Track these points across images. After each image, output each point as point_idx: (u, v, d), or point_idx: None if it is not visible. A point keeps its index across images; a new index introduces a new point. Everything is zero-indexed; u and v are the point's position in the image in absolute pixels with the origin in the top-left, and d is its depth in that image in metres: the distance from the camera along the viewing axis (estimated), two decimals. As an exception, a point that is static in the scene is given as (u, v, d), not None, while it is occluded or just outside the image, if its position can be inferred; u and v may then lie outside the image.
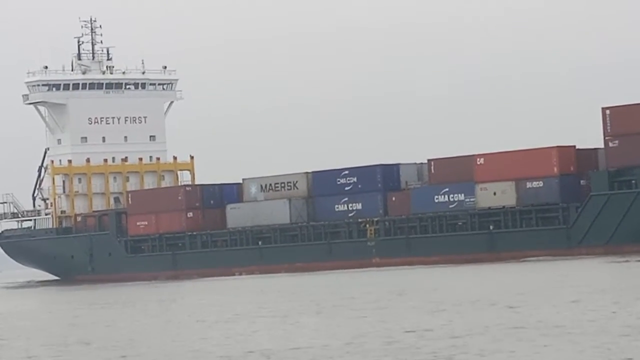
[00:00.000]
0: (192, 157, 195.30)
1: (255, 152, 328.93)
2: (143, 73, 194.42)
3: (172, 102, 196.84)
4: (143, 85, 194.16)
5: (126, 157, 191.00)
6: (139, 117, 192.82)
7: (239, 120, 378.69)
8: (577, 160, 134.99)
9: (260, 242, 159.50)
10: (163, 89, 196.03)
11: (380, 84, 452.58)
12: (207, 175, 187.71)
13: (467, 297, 75.07)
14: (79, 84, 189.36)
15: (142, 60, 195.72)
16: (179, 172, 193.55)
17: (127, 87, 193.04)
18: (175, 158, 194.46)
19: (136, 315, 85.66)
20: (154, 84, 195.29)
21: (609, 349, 38.70)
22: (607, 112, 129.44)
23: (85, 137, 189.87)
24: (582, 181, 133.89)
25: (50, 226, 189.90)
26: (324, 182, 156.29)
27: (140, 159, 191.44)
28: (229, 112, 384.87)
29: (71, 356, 53.78)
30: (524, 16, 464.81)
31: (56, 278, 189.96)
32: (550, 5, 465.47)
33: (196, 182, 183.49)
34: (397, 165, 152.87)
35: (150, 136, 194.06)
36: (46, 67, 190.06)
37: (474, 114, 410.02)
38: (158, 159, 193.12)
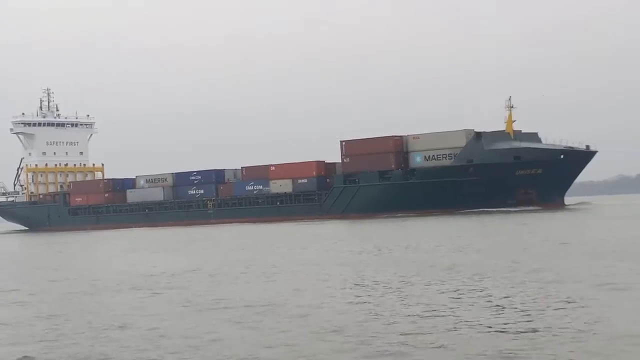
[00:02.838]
0: (102, 164, 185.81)
1: (142, 160, 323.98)
2: (76, 118, 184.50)
3: (92, 134, 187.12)
4: (76, 125, 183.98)
5: (67, 164, 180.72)
6: (74, 142, 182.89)
7: (131, 143, 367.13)
8: (326, 168, 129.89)
9: (147, 210, 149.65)
10: (87, 127, 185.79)
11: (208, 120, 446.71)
12: (114, 173, 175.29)
13: (262, 238, 70.00)
14: (41, 123, 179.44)
15: (76, 112, 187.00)
16: (96, 172, 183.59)
17: (67, 125, 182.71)
18: (94, 164, 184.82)
19: (70, 250, 78.65)
20: (83, 124, 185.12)
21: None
22: (343, 143, 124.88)
23: (45, 152, 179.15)
24: (328, 180, 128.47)
25: (25, 200, 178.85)
26: (182, 178, 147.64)
27: (75, 165, 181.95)
28: (125, 140, 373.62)
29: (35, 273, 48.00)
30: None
31: (27, 229, 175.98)
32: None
33: (107, 178, 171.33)
34: (224, 169, 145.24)
35: (80, 152, 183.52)
36: (23, 114, 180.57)
37: (270, 138, 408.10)
38: (84, 164, 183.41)
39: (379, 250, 48.53)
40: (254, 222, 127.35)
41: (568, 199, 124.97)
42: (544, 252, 40.90)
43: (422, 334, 20.00)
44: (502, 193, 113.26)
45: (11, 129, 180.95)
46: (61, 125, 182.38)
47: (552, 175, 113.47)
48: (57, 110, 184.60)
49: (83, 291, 34.70)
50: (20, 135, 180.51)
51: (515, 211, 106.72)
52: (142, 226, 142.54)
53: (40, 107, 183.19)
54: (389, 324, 21.61)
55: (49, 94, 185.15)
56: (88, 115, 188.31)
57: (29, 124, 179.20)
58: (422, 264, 37.60)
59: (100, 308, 28.61)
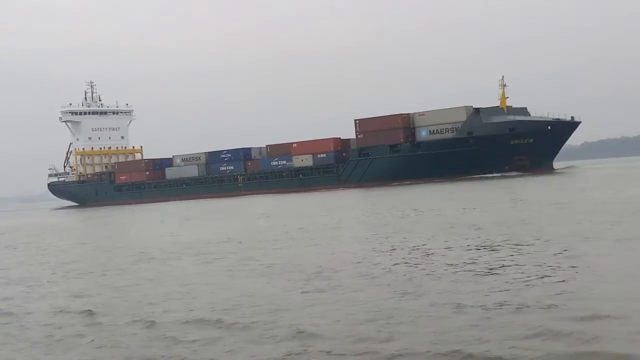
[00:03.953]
0: (141, 147, 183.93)
1: (178, 141, 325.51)
2: (117, 107, 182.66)
3: (131, 121, 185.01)
4: (117, 113, 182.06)
5: (110, 147, 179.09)
6: (116, 127, 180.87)
7: (167, 127, 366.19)
8: (342, 144, 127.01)
9: (184, 185, 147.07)
10: (126, 114, 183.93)
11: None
12: (153, 154, 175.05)
13: (295, 209, 66.20)
14: (86, 112, 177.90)
15: (116, 101, 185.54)
16: (136, 154, 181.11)
17: (109, 113, 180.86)
18: (133, 147, 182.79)
19: (115, 222, 76.07)
20: (123, 112, 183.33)
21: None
22: (357, 121, 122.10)
23: (91, 137, 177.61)
24: (344, 154, 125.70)
25: (75, 180, 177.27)
26: (214, 157, 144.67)
27: (117, 147, 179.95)
28: (161, 123, 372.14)
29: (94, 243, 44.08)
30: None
31: (77, 204, 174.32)
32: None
33: (147, 158, 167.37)
34: (250, 148, 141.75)
35: (121, 137, 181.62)
36: (70, 104, 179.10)
37: (291, 120, 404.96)
38: (125, 147, 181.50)
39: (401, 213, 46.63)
40: (279, 193, 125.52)
41: (555, 164, 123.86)
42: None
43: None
44: (499, 161, 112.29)
45: (60, 118, 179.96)
46: (104, 113, 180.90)
47: (542, 144, 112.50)
48: (100, 100, 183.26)
49: (142, 259, 32.64)
50: (68, 123, 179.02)
51: (512, 176, 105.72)
52: (180, 199, 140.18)
53: (85, 98, 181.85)
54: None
55: (92, 86, 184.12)
56: (127, 104, 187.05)
57: (76, 113, 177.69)
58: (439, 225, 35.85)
59: (162, 276, 26.56)
